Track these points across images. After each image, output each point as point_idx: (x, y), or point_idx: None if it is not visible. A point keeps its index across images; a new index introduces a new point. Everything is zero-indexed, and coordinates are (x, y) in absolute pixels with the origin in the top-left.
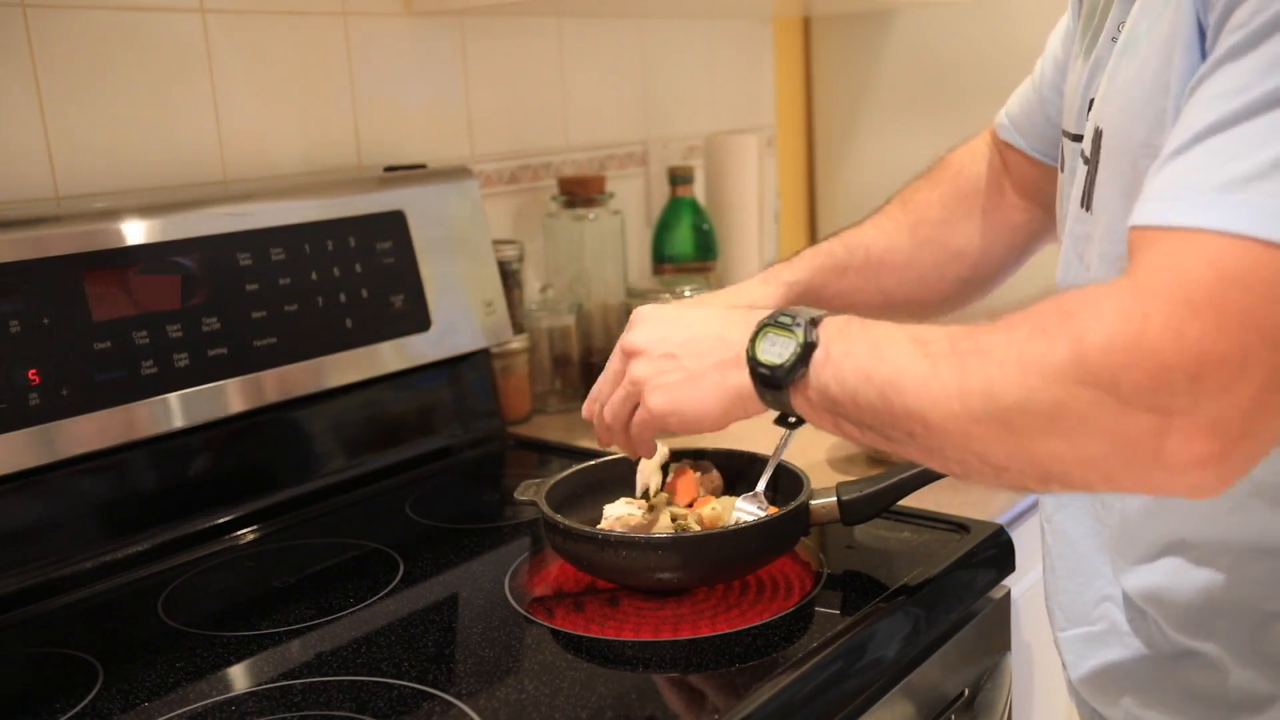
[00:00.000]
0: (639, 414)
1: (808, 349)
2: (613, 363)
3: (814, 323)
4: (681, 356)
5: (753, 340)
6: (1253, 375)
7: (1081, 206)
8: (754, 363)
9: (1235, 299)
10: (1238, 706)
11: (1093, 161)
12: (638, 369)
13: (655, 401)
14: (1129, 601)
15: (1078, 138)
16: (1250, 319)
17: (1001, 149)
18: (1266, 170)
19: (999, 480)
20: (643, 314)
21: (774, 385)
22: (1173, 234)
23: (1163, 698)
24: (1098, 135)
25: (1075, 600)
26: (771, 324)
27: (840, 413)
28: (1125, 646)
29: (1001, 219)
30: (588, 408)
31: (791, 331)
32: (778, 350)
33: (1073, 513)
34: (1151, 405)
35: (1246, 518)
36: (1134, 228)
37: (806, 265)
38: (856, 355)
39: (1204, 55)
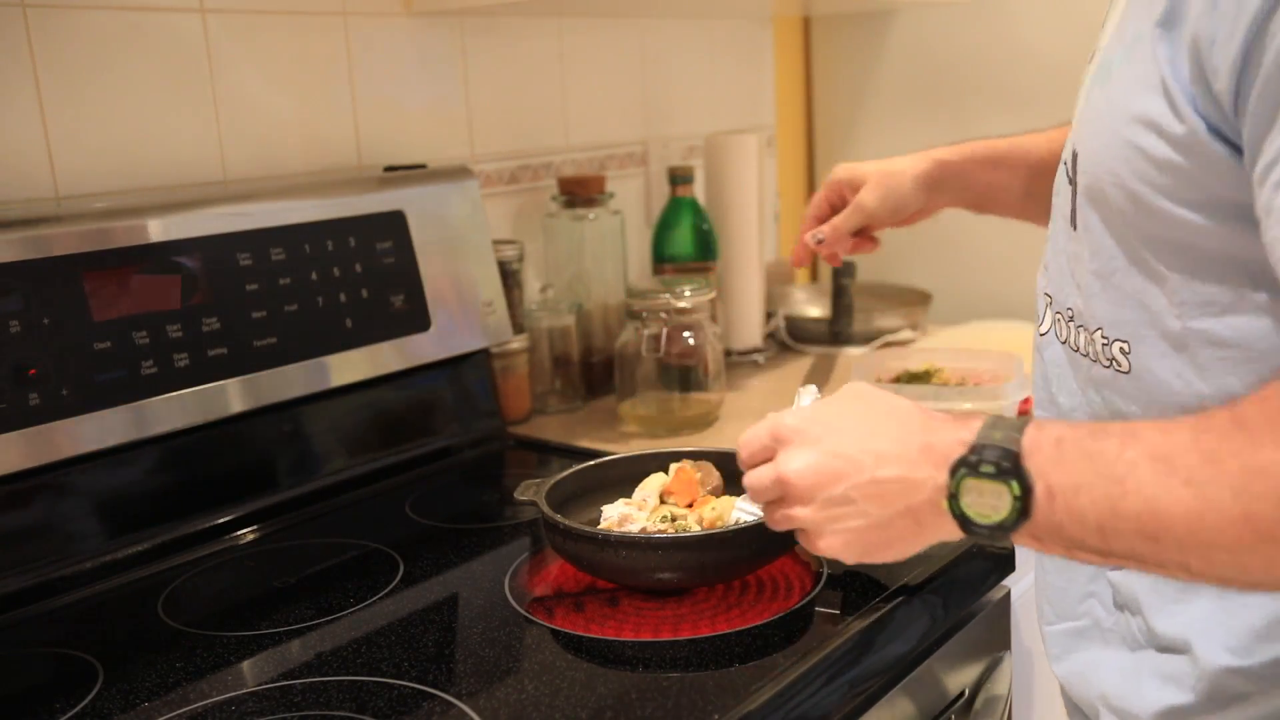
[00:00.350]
0: (805, 543)
1: (1025, 497)
2: (762, 472)
3: (1017, 459)
4: (859, 501)
5: (954, 495)
6: None
7: (1070, 225)
8: (965, 521)
9: None
10: (1209, 701)
11: (1074, 183)
12: (802, 513)
13: (830, 545)
14: (1113, 598)
15: None
16: None
17: None
18: None
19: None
20: (792, 433)
21: (991, 539)
22: None
23: (1139, 692)
24: (1074, 157)
25: (1062, 595)
26: (971, 473)
27: (1079, 546)
28: (1105, 642)
29: None
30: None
31: (999, 481)
32: (989, 503)
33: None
34: None
35: None
36: None
37: (962, 150)
38: (1091, 489)
39: (1194, 102)
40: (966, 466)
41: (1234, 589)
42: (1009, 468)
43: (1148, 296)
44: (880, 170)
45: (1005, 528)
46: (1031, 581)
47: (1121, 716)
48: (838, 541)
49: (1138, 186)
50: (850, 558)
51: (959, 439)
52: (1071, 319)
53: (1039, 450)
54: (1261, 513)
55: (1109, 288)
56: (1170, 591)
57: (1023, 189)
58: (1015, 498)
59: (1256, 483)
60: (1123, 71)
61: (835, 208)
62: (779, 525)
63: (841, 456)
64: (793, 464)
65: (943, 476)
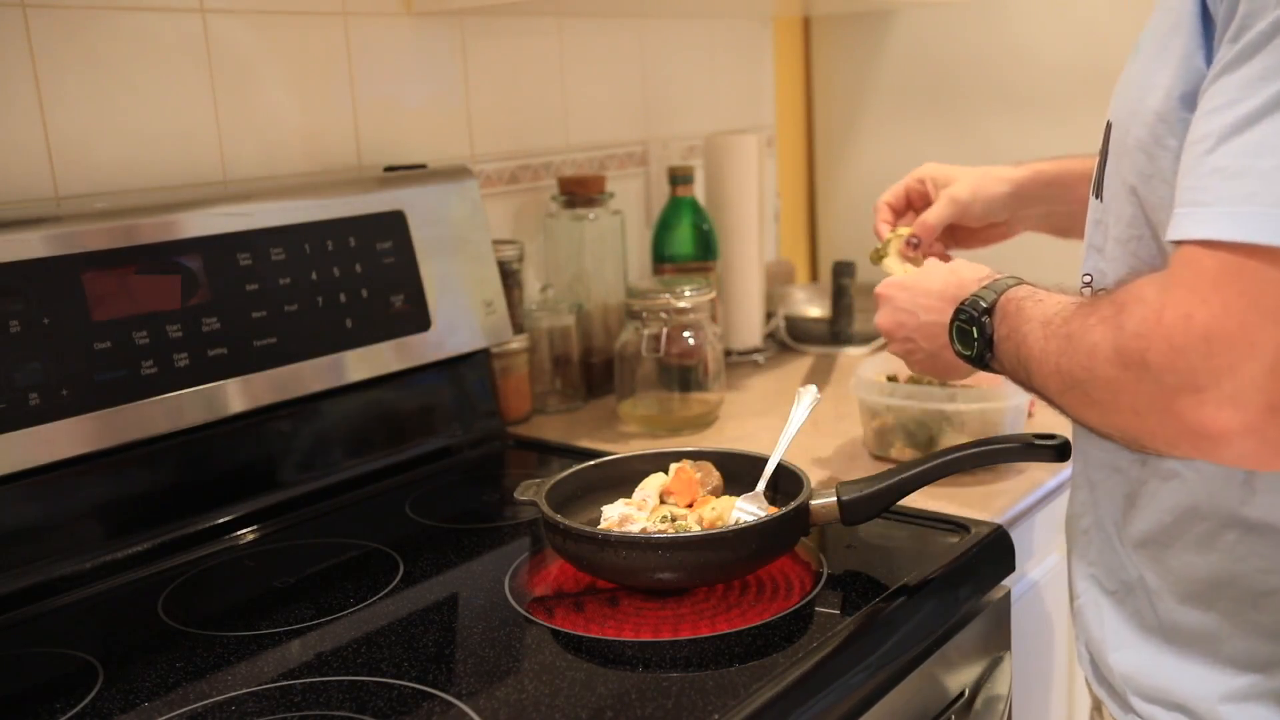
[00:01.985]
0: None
1: (986, 341)
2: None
3: (988, 313)
4: (918, 340)
5: (951, 335)
6: (1261, 351)
7: (1094, 195)
8: (957, 351)
9: (1238, 288)
10: (1231, 673)
11: (1103, 152)
12: (891, 347)
13: (917, 367)
14: (1120, 571)
15: None
16: (1252, 303)
17: None
18: (1260, 187)
19: (1113, 440)
20: (880, 296)
21: (975, 364)
22: (1193, 244)
23: (1161, 666)
24: (1108, 128)
25: (1073, 572)
26: (956, 319)
27: (1015, 378)
28: (1109, 618)
29: None
30: None
31: (970, 327)
32: (967, 341)
33: (1098, 486)
34: (1178, 381)
35: (1253, 495)
36: (1170, 241)
37: (1059, 163)
38: (1014, 338)
39: (1208, 63)
40: (956, 317)
41: (1082, 424)
42: (976, 318)
43: (1160, 265)
44: (973, 171)
45: (976, 358)
46: (1031, 583)
47: (1145, 697)
48: (919, 366)
49: (1156, 150)
50: (937, 376)
51: (967, 293)
52: (1090, 284)
53: (1004, 307)
54: (1063, 369)
55: (1128, 254)
56: (1192, 563)
57: None
58: (975, 340)
59: (1064, 344)
60: (1152, 38)
61: (914, 203)
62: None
63: (903, 310)
64: (877, 319)
65: (948, 327)
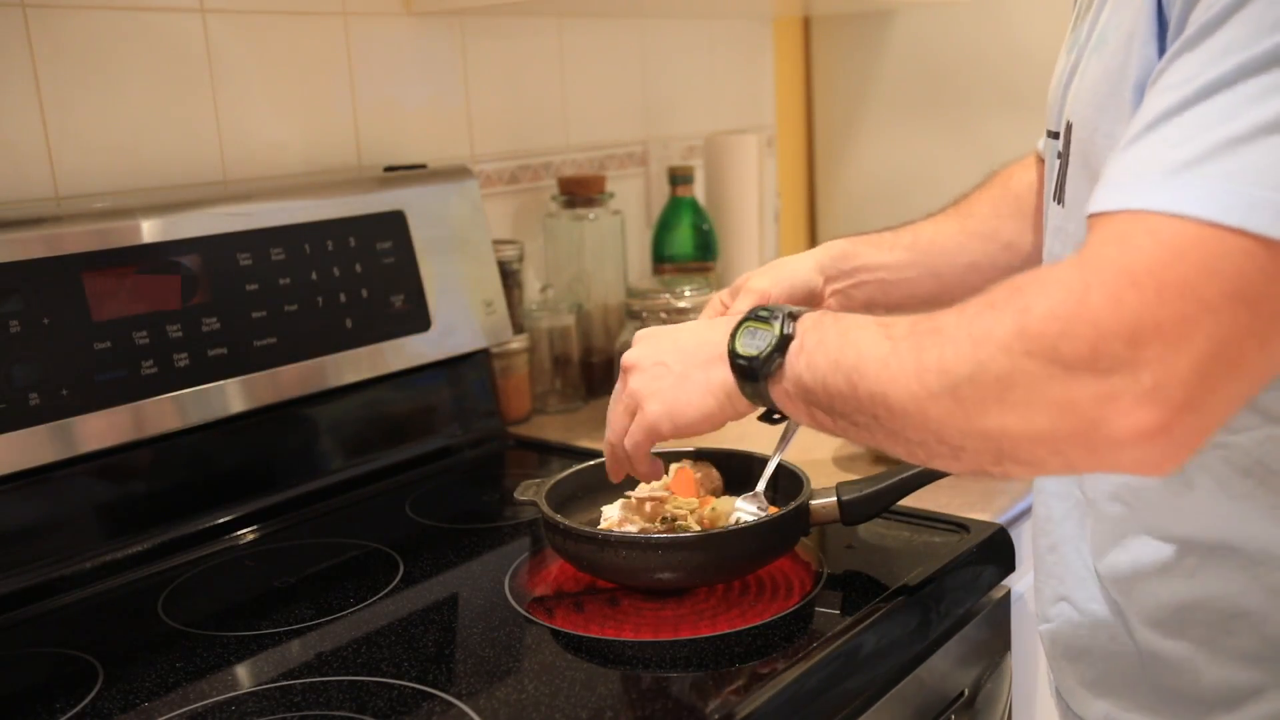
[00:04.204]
0: (635, 424)
1: (784, 340)
2: (616, 388)
3: (792, 316)
4: (671, 362)
5: (734, 335)
6: (1193, 345)
7: (1055, 200)
8: (733, 355)
9: (1176, 271)
10: (1214, 704)
11: (1064, 155)
12: (634, 382)
13: (650, 408)
14: (1089, 601)
15: (1056, 135)
16: (1190, 290)
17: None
18: (1209, 154)
19: (958, 463)
20: (640, 334)
21: (752, 377)
22: (1121, 215)
23: (1137, 700)
24: (1068, 129)
25: (1038, 596)
26: (751, 318)
27: (813, 401)
28: (1087, 648)
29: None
30: (606, 447)
31: (769, 324)
32: (755, 342)
33: (1053, 510)
34: (1092, 372)
35: (1208, 518)
36: (1089, 215)
37: (850, 237)
38: (827, 344)
39: (1163, 50)
40: (751, 314)
41: (916, 458)
42: (780, 316)
43: None
44: (769, 263)
45: (761, 360)
46: (1031, 582)
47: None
48: (656, 403)
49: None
50: (665, 423)
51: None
52: None
53: (810, 315)
54: (927, 366)
55: None
56: (1158, 590)
57: (928, 271)
58: (776, 336)
59: (931, 339)
60: (1116, 35)
61: None
62: (619, 420)
63: (664, 335)
64: (629, 353)
65: (731, 330)
